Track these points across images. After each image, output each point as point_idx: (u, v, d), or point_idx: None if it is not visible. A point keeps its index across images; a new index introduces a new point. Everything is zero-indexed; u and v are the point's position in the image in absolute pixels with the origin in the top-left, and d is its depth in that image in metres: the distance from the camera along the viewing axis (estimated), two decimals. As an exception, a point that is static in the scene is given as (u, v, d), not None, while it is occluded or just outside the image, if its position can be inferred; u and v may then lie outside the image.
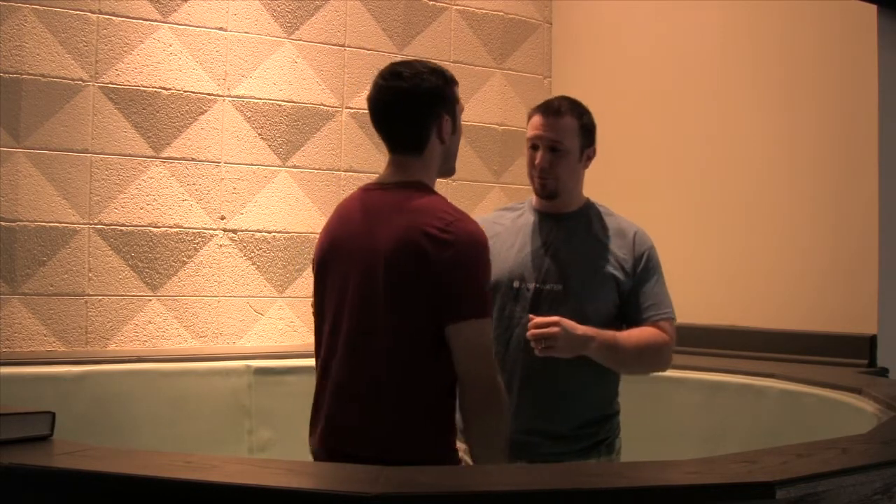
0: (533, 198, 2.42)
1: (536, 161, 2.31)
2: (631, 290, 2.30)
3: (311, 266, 2.14)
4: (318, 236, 2.10)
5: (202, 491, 1.31)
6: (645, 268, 2.33)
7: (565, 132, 2.32)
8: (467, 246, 1.86)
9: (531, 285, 2.28)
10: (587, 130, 2.38)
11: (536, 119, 2.33)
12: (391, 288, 1.85)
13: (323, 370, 1.96)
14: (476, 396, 1.84)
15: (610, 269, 2.30)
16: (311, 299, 2.09)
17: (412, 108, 1.99)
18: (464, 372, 1.84)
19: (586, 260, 2.30)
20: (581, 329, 2.12)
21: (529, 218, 2.39)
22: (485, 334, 1.86)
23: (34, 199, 3.31)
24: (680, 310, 3.35)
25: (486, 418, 1.85)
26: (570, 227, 2.35)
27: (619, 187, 4.14)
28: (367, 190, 2.05)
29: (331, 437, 1.91)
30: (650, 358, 2.28)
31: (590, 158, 2.41)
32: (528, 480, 1.43)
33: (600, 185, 4.25)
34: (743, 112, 3.62)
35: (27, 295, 3.29)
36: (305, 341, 3.78)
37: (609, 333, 2.19)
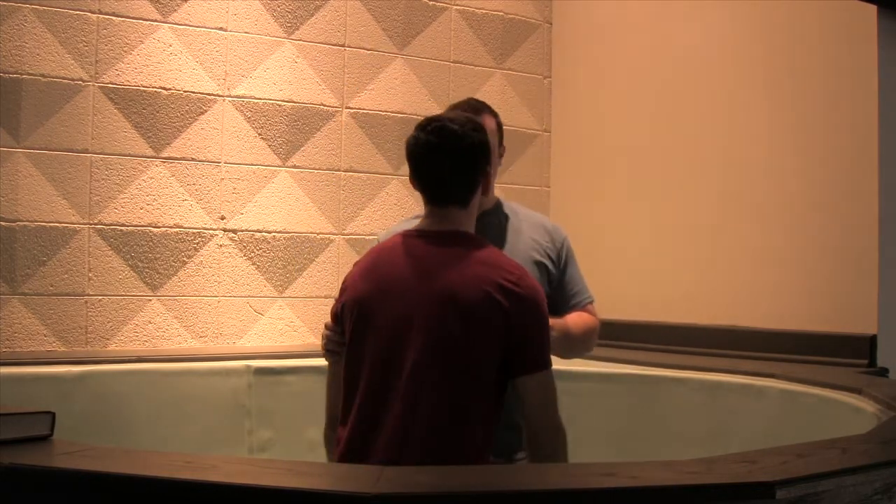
0: None
1: None
2: (558, 279, 2.38)
3: (333, 298, 2.15)
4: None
5: (202, 491, 1.31)
6: (567, 256, 2.42)
7: (489, 131, 2.32)
8: (536, 301, 1.95)
9: None
10: (500, 129, 2.39)
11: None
12: (465, 336, 1.87)
13: (365, 412, 1.92)
14: (546, 442, 1.95)
15: (541, 258, 2.36)
16: (324, 332, 2.08)
17: (464, 166, 2.00)
18: (534, 419, 1.95)
19: (518, 254, 2.32)
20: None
21: None
22: (552, 384, 1.98)
23: (34, 199, 3.31)
24: (680, 310, 3.34)
25: (556, 460, 1.95)
26: (493, 224, 2.36)
27: (619, 187, 4.14)
28: (408, 237, 2.03)
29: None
30: (590, 341, 2.43)
31: (501, 156, 2.43)
32: (529, 480, 1.43)
33: (600, 184, 4.26)
34: (742, 112, 3.62)
35: (27, 295, 3.29)
36: (305, 341, 3.78)
37: (561, 321, 2.25)
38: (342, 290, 2.06)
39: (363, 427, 1.90)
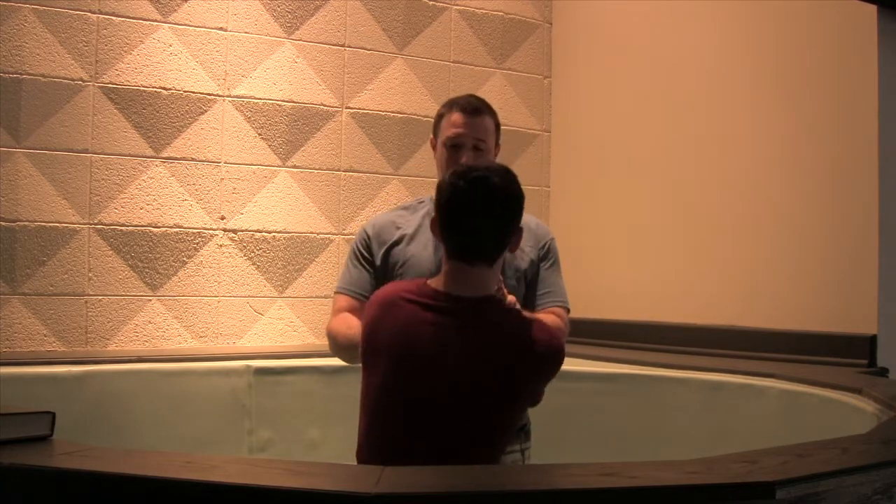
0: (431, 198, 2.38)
1: (462, 160, 2.25)
2: (532, 278, 2.35)
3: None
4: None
5: (202, 491, 1.31)
6: (545, 257, 2.38)
7: (488, 131, 2.32)
8: (560, 361, 1.95)
9: None
10: (498, 128, 2.38)
11: (458, 118, 2.31)
12: (495, 407, 1.88)
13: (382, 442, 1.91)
14: None
15: (521, 262, 2.33)
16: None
17: (503, 224, 1.91)
18: None
19: (504, 267, 2.29)
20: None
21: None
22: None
23: (34, 199, 3.31)
24: (680, 310, 3.35)
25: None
26: None
27: (619, 187, 4.14)
28: (435, 303, 1.90)
29: None
30: None
31: (496, 156, 2.40)
32: (529, 480, 1.43)
33: (600, 184, 4.26)
34: (743, 112, 3.62)
35: (27, 295, 3.29)
36: (305, 341, 3.78)
37: (529, 314, 2.21)
38: (364, 346, 1.98)
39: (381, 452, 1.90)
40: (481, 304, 1.91)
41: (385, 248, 2.35)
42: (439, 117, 2.37)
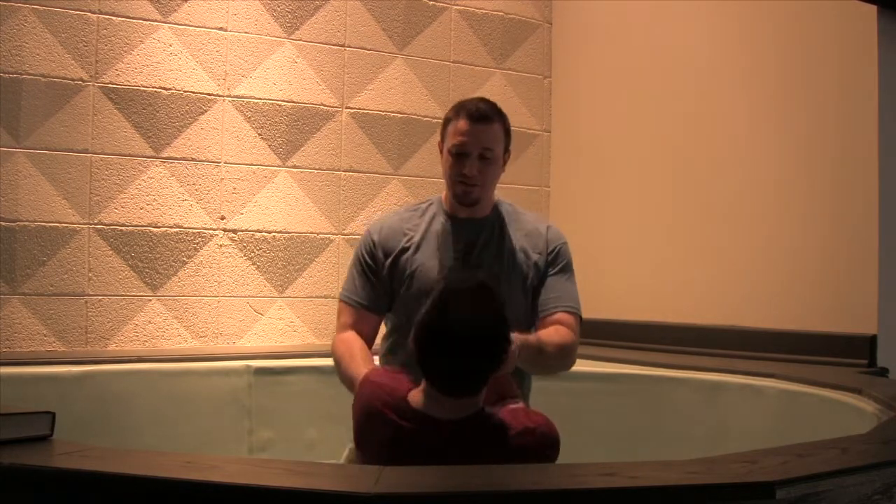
0: (441, 198, 2.35)
1: (465, 170, 2.21)
2: (539, 283, 2.27)
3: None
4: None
5: (202, 491, 1.31)
6: (554, 261, 2.30)
7: (495, 139, 2.24)
8: (553, 452, 1.86)
9: None
10: (508, 135, 2.29)
11: (463, 125, 2.21)
12: None
13: None
14: None
15: (527, 270, 2.27)
16: None
17: (485, 363, 1.76)
18: None
19: (508, 265, 2.26)
20: (519, 339, 1.98)
21: (445, 223, 2.31)
22: None
23: (34, 199, 3.31)
24: (680, 310, 3.35)
25: None
26: (488, 231, 2.30)
27: (619, 186, 4.14)
28: (424, 428, 1.79)
29: None
30: (566, 358, 2.23)
31: (506, 162, 2.33)
32: (528, 480, 1.43)
33: (600, 184, 4.26)
34: (744, 111, 3.62)
35: (27, 295, 3.29)
36: (305, 341, 3.78)
37: (534, 337, 2.12)
38: (355, 438, 1.94)
39: None
40: (465, 426, 1.78)
41: (392, 257, 2.30)
42: (447, 121, 2.29)
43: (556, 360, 2.19)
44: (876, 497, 1.48)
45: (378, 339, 2.40)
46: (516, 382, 2.09)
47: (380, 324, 2.38)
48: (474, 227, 2.30)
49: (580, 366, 3.37)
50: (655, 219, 3.96)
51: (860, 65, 3.18)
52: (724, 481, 1.35)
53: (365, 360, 2.18)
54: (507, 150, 2.30)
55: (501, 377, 1.91)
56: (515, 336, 1.93)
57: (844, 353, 3.14)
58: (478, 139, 2.21)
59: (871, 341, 3.09)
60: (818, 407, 2.65)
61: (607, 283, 4.12)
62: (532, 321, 2.29)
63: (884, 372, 3.04)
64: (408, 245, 2.29)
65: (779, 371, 2.95)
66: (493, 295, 1.80)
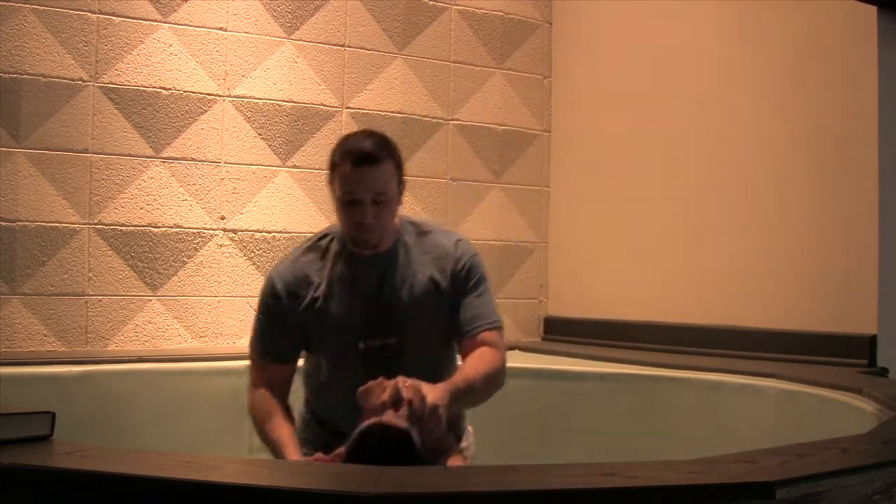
0: (341, 232, 2.21)
1: (358, 218, 2.08)
2: (452, 305, 2.19)
3: None
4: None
5: (202, 491, 1.31)
6: (467, 278, 2.20)
7: (387, 180, 2.08)
8: None
9: (369, 343, 2.17)
10: (400, 167, 2.15)
11: (350, 171, 2.05)
12: None
13: None
14: None
15: (439, 299, 2.19)
16: None
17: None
18: None
19: (415, 300, 2.18)
20: (440, 391, 1.90)
21: (350, 263, 2.21)
22: None
23: (34, 199, 3.31)
24: (680, 310, 3.35)
25: None
26: (391, 266, 2.20)
27: (619, 187, 4.14)
28: None
29: None
30: (496, 383, 2.14)
31: (402, 193, 2.18)
32: (529, 480, 1.43)
33: (600, 184, 4.26)
34: (743, 111, 3.62)
35: (27, 295, 3.29)
36: (305, 341, 3.78)
37: (460, 380, 2.02)
38: None
39: None
40: None
41: (301, 308, 2.20)
42: (333, 166, 2.12)
43: (488, 390, 2.13)
44: (876, 497, 1.48)
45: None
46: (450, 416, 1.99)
47: (294, 371, 2.32)
48: (379, 262, 2.21)
49: (580, 366, 3.40)
50: (655, 219, 3.96)
51: (860, 65, 3.18)
52: (724, 481, 1.35)
53: (285, 420, 2.21)
54: (401, 183, 2.16)
55: (434, 436, 1.86)
56: (441, 390, 1.89)
57: (844, 353, 3.14)
58: (367, 185, 2.06)
59: (871, 341, 3.09)
60: (818, 407, 2.65)
61: (607, 283, 4.13)
62: (451, 340, 2.23)
63: (884, 372, 3.04)
64: (317, 295, 2.19)
65: (779, 371, 2.95)
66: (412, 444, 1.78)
